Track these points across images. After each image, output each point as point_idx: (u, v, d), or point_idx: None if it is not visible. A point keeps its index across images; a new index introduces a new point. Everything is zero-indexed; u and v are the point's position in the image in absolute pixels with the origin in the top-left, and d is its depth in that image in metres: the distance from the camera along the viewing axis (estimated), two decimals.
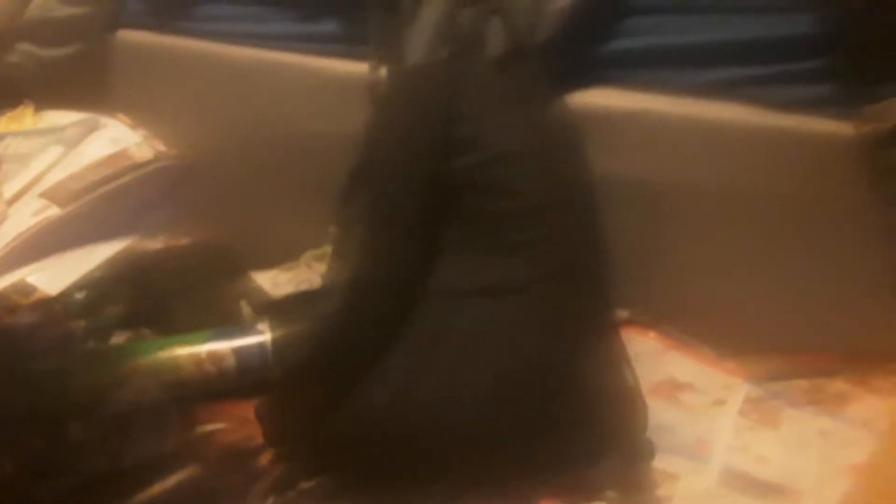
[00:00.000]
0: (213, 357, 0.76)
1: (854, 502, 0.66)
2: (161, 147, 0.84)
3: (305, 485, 0.70)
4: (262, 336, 0.78)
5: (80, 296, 0.84)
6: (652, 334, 0.83)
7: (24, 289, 0.78)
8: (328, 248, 0.88)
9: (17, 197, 0.77)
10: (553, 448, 0.69)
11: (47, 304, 0.82)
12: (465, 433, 0.69)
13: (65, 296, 0.82)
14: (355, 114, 0.79)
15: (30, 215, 0.73)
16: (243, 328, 0.79)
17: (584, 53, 0.79)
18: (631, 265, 0.76)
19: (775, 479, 0.70)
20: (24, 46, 0.96)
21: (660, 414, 0.75)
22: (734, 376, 0.80)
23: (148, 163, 0.80)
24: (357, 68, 0.83)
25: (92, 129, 0.83)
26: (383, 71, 0.81)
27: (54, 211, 0.73)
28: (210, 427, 0.74)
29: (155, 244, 0.95)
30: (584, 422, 0.70)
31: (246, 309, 0.86)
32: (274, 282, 0.92)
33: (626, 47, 0.78)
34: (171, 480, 0.67)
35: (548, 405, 0.69)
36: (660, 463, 0.71)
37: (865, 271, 0.74)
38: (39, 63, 0.96)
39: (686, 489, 0.70)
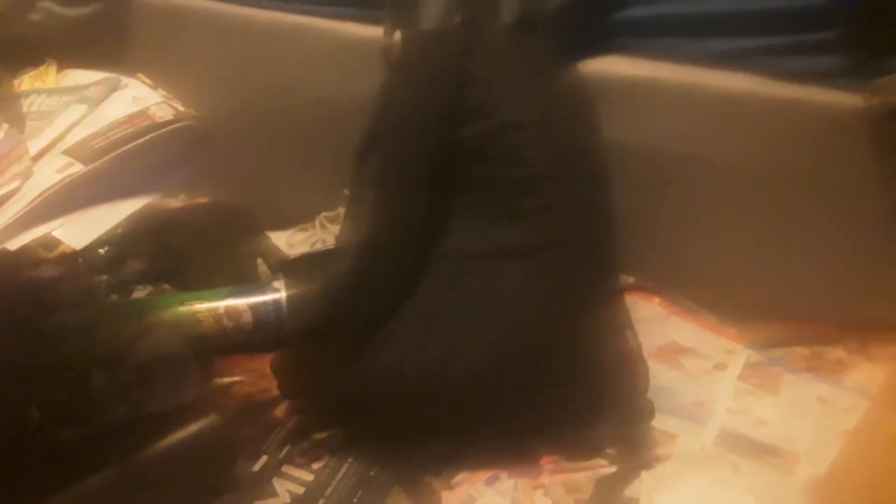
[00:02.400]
0: (231, 312, 0.79)
1: (846, 466, 0.68)
2: (181, 107, 0.85)
3: (318, 436, 0.72)
4: (277, 293, 0.80)
5: (102, 251, 0.86)
6: (656, 300, 0.85)
7: (48, 243, 0.80)
8: (342, 210, 0.90)
9: (42, 154, 0.78)
10: (556, 407, 0.71)
11: (70, 258, 0.84)
12: (470, 391, 0.71)
13: (87, 251, 0.84)
14: (369, 77, 0.80)
15: (54, 172, 0.75)
16: (260, 286, 0.81)
17: (595, 21, 0.79)
18: (637, 232, 0.78)
19: (772, 441, 0.72)
20: (46, 5, 0.97)
21: (661, 376, 0.77)
22: (735, 342, 0.81)
23: (168, 123, 0.81)
24: (371, 32, 0.84)
25: (114, 88, 0.84)
26: (397, 35, 0.82)
27: (78, 168, 0.75)
28: (228, 379, 0.76)
29: (175, 202, 0.97)
30: (587, 382, 0.72)
31: (262, 267, 0.88)
32: (289, 241, 0.94)
33: (636, 16, 0.78)
34: (190, 429, 0.69)
35: (552, 366, 0.71)
36: (659, 423, 0.73)
37: (866, 241, 0.75)
38: (60, 22, 0.97)
39: (684, 449, 0.71)
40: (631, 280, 0.84)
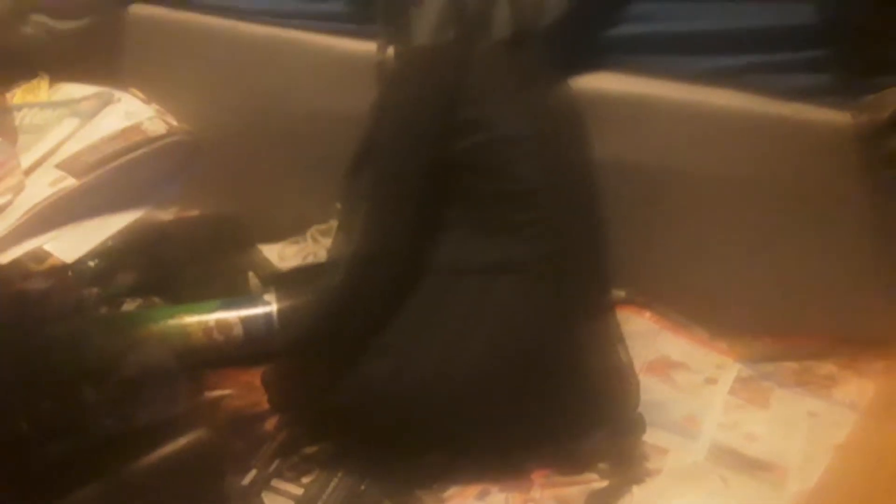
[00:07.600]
0: (222, 325, 0.79)
1: (836, 480, 0.68)
2: (173, 122, 0.85)
3: (308, 450, 0.72)
4: (268, 307, 0.80)
5: (92, 264, 0.86)
6: (647, 314, 0.85)
7: (38, 255, 0.80)
8: (334, 223, 0.90)
9: (34, 167, 0.78)
10: (547, 421, 0.71)
11: (60, 271, 0.84)
12: (461, 405, 0.71)
13: (77, 264, 0.83)
14: (363, 92, 0.80)
15: (47, 185, 0.75)
16: (251, 299, 0.81)
17: (587, 38, 0.80)
18: (629, 247, 0.78)
19: (762, 456, 0.72)
20: (39, 18, 0.97)
21: (653, 391, 0.77)
22: (726, 356, 0.82)
23: (160, 137, 0.80)
24: (365, 47, 0.85)
25: (106, 102, 0.84)
26: (391, 51, 0.82)
27: (70, 182, 0.75)
28: (218, 392, 0.76)
29: (166, 215, 0.97)
30: (578, 396, 0.72)
31: (253, 280, 0.88)
32: (281, 255, 0.94)
33: (628, 33, 0.79)
34: (180, 443, 0.69)
35: (543, 380, 0.71)
36: (651, 437, 0.73)
37: (855, 257, 0.76)
38: (53, 35, 0.97)
39: (675, 463, 0.72)
40: (622, 294, 0.84)
